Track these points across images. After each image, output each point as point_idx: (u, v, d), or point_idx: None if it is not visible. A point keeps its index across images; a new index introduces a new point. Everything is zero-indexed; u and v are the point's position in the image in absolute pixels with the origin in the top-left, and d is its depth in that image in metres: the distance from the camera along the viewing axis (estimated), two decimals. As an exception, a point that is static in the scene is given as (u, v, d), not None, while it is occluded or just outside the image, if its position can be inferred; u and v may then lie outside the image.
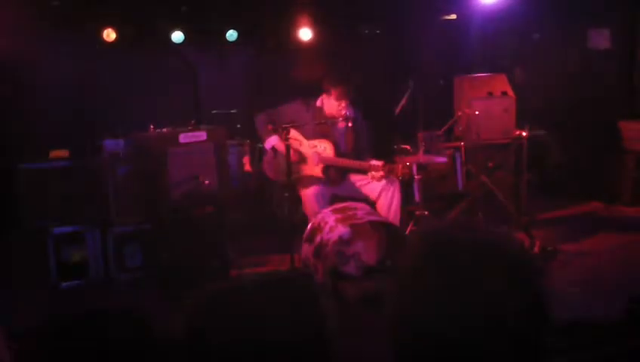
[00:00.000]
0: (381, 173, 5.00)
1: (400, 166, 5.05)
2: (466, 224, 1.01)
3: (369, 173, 5.09)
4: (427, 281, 0.94)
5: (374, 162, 5.09)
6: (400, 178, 5.13)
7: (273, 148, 5.23)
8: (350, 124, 5.26)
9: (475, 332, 0.90)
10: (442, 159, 5.36)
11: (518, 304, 0.91)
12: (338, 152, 5.26)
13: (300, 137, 5.26)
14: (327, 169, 5.22)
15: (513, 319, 0.90)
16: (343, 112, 5.19)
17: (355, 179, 5.33)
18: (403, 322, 0.98)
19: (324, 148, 5.25)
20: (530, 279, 0.95)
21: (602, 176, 7.06)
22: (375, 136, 5.64)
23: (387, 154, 5.31)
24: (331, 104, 5.21)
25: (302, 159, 5.25)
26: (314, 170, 5.23)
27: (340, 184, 5.32)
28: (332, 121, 5.22)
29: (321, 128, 5.22)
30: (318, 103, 5.32)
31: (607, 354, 2.22)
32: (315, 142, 5.27)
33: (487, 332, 0.90)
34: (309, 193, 5.11)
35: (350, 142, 5.35)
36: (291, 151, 5.03)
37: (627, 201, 6.82)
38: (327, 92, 5.20)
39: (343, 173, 5.32)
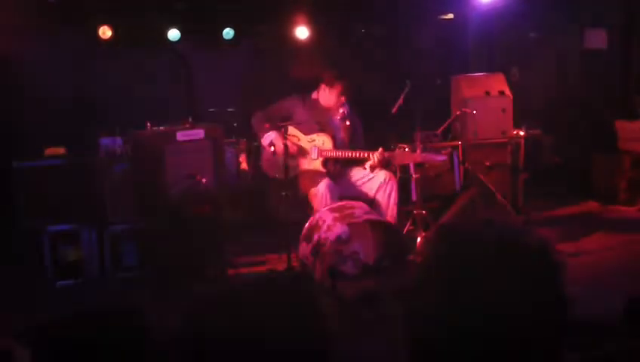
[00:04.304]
0: (380, 158, 5.00)
1: (398, 154, 5.11)
2: (487, 219, 1.00)
3: (367, 164, 5.09)
4: (448, 277, 0.93)
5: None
6: (399, 166, 5.18)
7: (271, 144, 5.21)
8: (348, 123, 5.27)
9: (496, 328, 0.89)
10: (440, 157, 5.35)
11: (540, 300, 0.90)
12: (336, 145, 5.28)
13: (298, 133, 5.29)
14: (326, 162, 5.24)
15: (534, 315, 0.90)
16: (341, 111, 5.22)
17: (355, 177, 5.34)
18: (422, 318, 0.97)
19: (323, 141, 5.27)
20: (552, 275, 0.94)
21: (598, 175, 7.08)
22: (371, 136, 5.64)
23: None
24: (329, 97, 5.25)
25: (301, 154, 5.27)
26: (313, 164, 5.25)
27: (341, 178, 5.33)
28: (328, 116, 5.25)
29: (318, 122, 5.24)
30: (314, 96, 5.36)
31: (607, 353, 2.21)
32: (314, 136, 5.30)
33: (508, 328, 0.89)
34: (320, 190, 5.07)
35: (347, 136, 5.37)
36: (291, 145, 5.04)
37: (623, 201, 6.84)
38: (330, 84, 5.23)
39: (342, 167, 5.34)
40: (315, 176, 5.19)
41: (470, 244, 0.95)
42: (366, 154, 5.09)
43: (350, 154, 5.19)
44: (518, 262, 0.92)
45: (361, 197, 5.26)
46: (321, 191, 5.07)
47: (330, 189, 5.10)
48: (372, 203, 5.20)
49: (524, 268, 0.92)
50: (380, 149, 5.06)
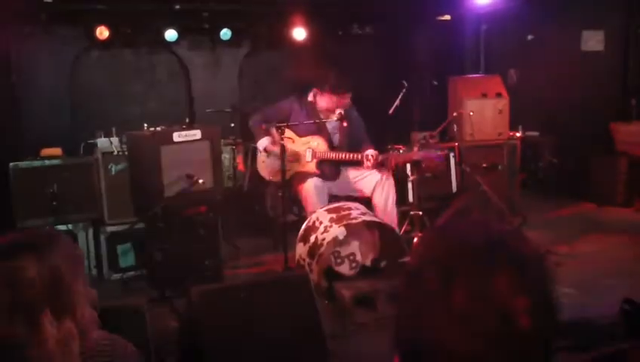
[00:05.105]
0: (375, 161, 5.00)
1: (393, 155, 5.10)
2: (476, 221, 1.00)
3: (364, 163, 5.08)
4: (435, 280, 0.93)
5: (368, 152, 5.10)
6: (393, 168, 5.18)
7: (265, 150, 5.25)
8: (345, 124, 5.26)
9: (484, 332, 0.89)
10: (437, 154, 5.36)
11: (528, 303, 0.90)
12: (331, 146, 5.29)
13: (293, 135, 5.29)
14: (321, 164, 5.25)
15: (522, 318, 0.90)
16: (338, 112, 5.22)
17: (349, 175, 5.35)
18: (409, 324, 0.97)
19: (317, 143, 5.28)
20: (541, 278, 0.94)
21: (595, 177, 7.09)
22: (368, 136, 5.65)
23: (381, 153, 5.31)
24: (323, 101, 5.24)
25: (295, 157, 5.27)
26: (308, 166, 5.26)
27: (335, 179, 5.34)
28: (325, 117, 5.24)
29: (315, 124, 5.24)
30: (310, 98, 5.36)
31: (603, 354, 2.22)
32: (308, 138, 5.30)
33: (496, 332, 0.89)
34: (308, 186, 5.11)
35: (343, 136, 5.36)
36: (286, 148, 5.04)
37: (619, 203, 6.85)
38: (322, 91, 5.22)
39: (337, 167, 5.35)
40: (308, 178, 5.20)
41: (456, 246, 0.95)
42: (359, 157, 5.09)
43: (344, 156, 5.19)
44: (504, 265, 0.92)
45: (357, 196, 5.27)
46: (308, 189, 5.09)
47: (317, 188, 5.11)
48: (368, 202, 5.21)
49: (510, 272, 0.92)
50: (375, 152, 5.06)
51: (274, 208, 5.85)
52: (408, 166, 5.42)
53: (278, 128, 4.87)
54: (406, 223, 5.42)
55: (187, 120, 5.44)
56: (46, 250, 1.47)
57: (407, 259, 4.65)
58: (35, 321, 1.40)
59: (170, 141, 4.76)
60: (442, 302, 0.91)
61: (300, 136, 5.32)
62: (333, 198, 5.25)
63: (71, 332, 1.45)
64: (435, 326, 0.91)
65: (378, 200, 5.19)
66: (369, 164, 5.04)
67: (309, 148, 5.29)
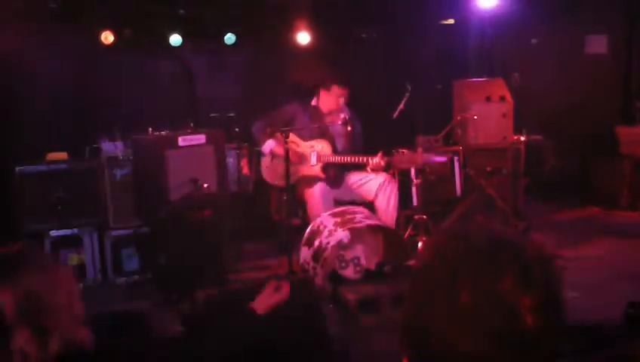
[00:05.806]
0: (381, 163, 4.98)
1: (398, 157, 5.09)
2: (480, 224, 1.00)
3: (368, 166, 5.08)
4: (441, 281, 0.94)
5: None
6: (398, 171, 5.20)
7: (271, 152, 5.27)
8: (349, 128, 5.27)
9: (490, 331, 0.90)
10: (441, 158, 5.36)
11: (533, 304, 0.91)
12: (336, 150, 5.29)
13: (297, 139, 5.30)
14: (326, 168, 5.25)
15: (528, 317, 0.90)
16: (342, 115, 5.23)
17: (353, 179, 5.35)
18: (416, 324, 0.97)
19: (322, 147, 5.29)
20: (546, 277, 0.95)
21: (599, 180, 7.08)
22: (372, 140, 5.65)
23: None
24: (329, 101, 5.26)
25: (300, 159, 5.28)
26: (313, 169, 5.26)
27: (340, 183, 5.34)
28: (329, 121, 5.26)
29: (319, 128, 5.26)
30: (314, 102, 5.37)
31: (607, 357, 2.22)
32: (313, 142, 5.31)
33: (501, 331, 0.90)
34: (313, 192, 5.12)
35: (347, 140, 5.37)
36: (291, 152, 5.05)
37: (624, 206, 6.83)
38: (327, 88, 5.25)
39: (342, 171, 5.35)
40: (313, 182, 5.20)
41: (461, 248, 0.96)
42: (366, 159, 5.09)
43: (349, 159, 5.20)
44: (509, 267, 0.93)
45: (360, 200, 5.27)
46: (314, 195, 5.10)
47: (323, 193, 5.11)
48: (371, 206, 5.22)
49: (516, 273, 0.92)
50: (380, 153, 5.06)
51: (278, 212, 5.86)
52: (412, 170, 5.41)
53: (282, 132, 4.89)
54: (410, 227, 5.41)
55: (192, 124, 5.46)
56: (19, 272, 1.43)
57: (411, 262, 4.67)
58: (10, 343, 1.37)
59: (175, 145, 4.79)
60: (448, 302, 0.92)
61: (305, 140, 5.34)
62: (336, 203, 5.25)
63: (55, 352, 1.41)
64: (442, 326, 0.92)
65: (380, 203, 5.19)
66: (374, 165, 5.02)
67: (314, 151, 5.30)
